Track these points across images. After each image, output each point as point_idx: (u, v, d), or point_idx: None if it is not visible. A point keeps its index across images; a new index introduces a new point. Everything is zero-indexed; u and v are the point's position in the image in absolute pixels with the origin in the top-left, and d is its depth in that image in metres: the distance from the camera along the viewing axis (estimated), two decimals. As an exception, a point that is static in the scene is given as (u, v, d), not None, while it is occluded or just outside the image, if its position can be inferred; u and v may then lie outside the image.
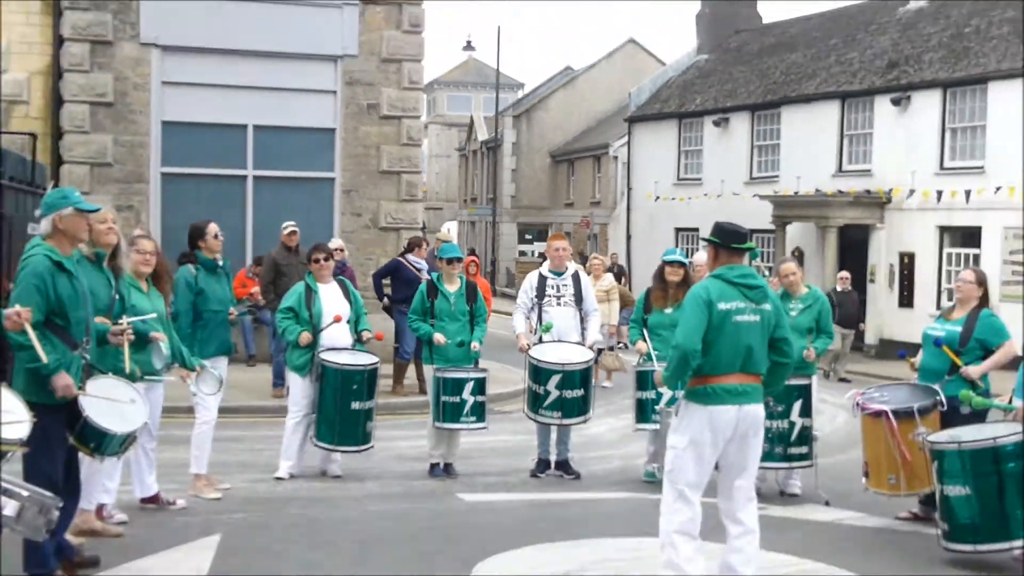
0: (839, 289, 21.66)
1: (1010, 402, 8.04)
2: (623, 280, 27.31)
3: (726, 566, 6.79)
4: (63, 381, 6.32)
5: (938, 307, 22.01)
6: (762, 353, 6.68)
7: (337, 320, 9.91)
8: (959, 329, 8.62)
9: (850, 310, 21.36)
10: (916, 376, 9.11)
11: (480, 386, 10.31)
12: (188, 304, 9.01)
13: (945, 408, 8.44)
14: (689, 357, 6.45)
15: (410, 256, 15.46)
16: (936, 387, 8.57)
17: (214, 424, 9.22)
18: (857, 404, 8.89)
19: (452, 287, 10.53)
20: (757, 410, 6.71)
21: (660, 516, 6.76)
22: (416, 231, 18.97)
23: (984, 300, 8.75)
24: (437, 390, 10.22)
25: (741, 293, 6.60)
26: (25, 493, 4.98)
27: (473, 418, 10.27)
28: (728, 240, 6.76)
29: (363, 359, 10.04)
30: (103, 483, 7.98)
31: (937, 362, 8.70)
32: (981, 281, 8.78)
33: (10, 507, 4.90)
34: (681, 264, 10.27)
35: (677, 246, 31.43)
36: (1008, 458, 7.27)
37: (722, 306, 6.52)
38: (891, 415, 8.45)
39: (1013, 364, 8.57)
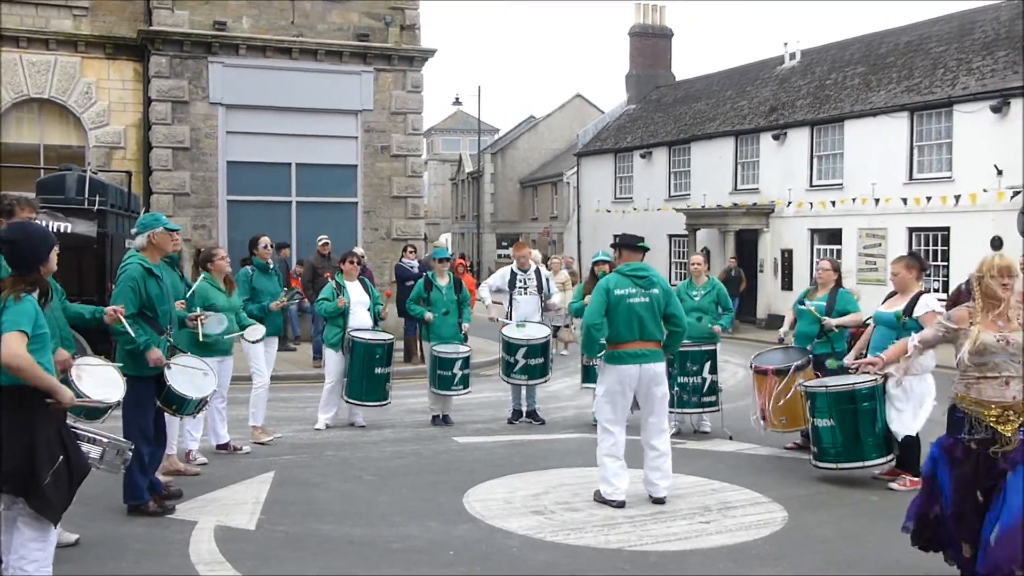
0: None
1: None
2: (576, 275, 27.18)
3: (647, 481, 7.03)
4: (155, 354, 6.29)
5: (810, 290, 22.02)
6: (654, 324, 6.89)
7: None
8: (824, 303, 8.77)
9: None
10: (790, 341, 9.18)
11: (466, 362, 10.23)
12: (247, 294, 9.08)
13: (812, 363, 8.57)
14: (592, 329, 6.80)
15: (404, 260, 15.36)
16: (808, 348, 8.67)
17: (267, 387, 9.18)
18: (751, 366, 8.92)
19: (443, 281, 10.46)
20: (656, 367, 6.90)
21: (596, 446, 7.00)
22: (417, 241, 18.90)
23: (839, 282, 8.94)
24: (434, 364, 10.14)
25: (632, 282, 6.89)
26: (105, 439, 5.04)
27: (461, 387, 10.20)
28: (624, 243, 7.15)
29: (382, 336, 9.98)
30: (189, 433, 7.96)
31: (808, 329, 8.78)
32: (836, 268, 9.07)
33: (94, 451, 4.96)
34: (606, 261, 9.93)
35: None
36: (863, 399, 7.38)
37: (617, 292, 6.83)
38: (774, 372, 8.56)
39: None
